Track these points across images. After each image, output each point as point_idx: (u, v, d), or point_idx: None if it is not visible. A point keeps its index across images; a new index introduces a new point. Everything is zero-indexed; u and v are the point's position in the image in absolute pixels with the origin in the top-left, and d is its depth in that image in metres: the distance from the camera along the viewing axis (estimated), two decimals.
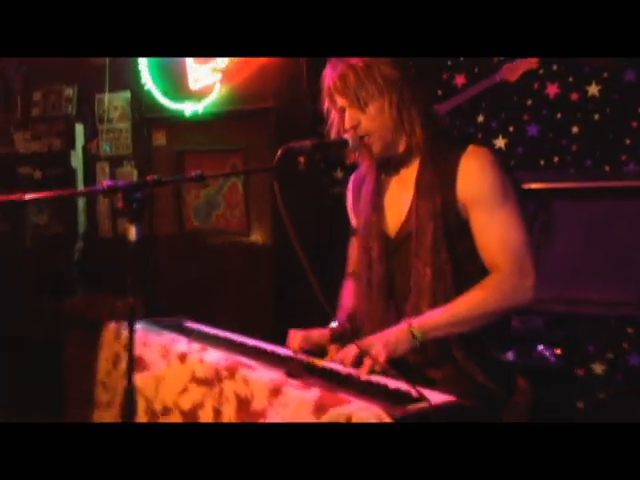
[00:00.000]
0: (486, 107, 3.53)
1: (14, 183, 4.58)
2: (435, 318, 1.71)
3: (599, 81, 3.30)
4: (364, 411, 1.24)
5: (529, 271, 1.73)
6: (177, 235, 4.36)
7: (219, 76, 4.05)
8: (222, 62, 4.02)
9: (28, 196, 1.48)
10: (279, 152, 1.64)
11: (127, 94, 4.39)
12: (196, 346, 1.80)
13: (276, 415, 1.41)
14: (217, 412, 1.60)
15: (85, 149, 4.56)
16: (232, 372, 1.57)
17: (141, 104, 4.35)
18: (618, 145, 3.29)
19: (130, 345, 1.43)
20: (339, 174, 3.91)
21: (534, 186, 3.29)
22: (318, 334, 1.85)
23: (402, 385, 1.43)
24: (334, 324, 1.87)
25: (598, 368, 3.35)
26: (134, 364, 1.46)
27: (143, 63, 4.20)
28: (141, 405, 1.86)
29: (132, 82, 4.32)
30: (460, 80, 3.57)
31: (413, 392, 1.36)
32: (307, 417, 1.33)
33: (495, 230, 1.74)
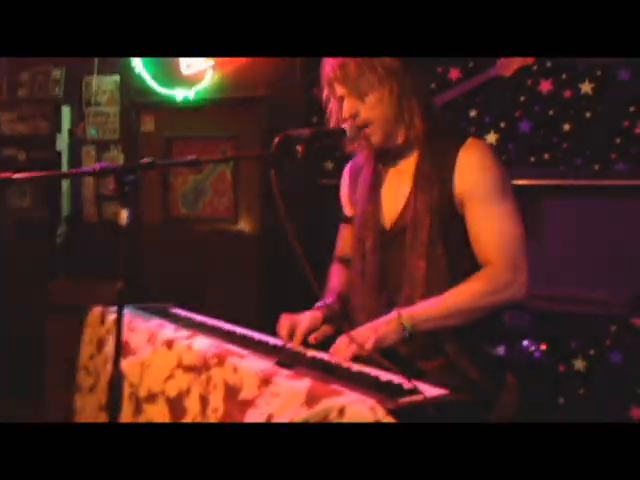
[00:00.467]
0: (479, 102, 3.53)
1: None
2: (426, 309, 1.70)
3: (592, 79, 3.31)
4: (357, 403, 1.22)
5: (522, 267, 1.71)
6: (163, 221, 4.32)
7: (211, 63, 4.01)
8: None
9: (16, 175, 1.44)
10: (277, 139, 1.61)
11: (116, 77, 4.33)
12: (184, 332, 1.78)
13: (266, 405, 1.38)
14: (204, 400, 1.57)
15: (71, 132, 4.49)
16: (221, 360, 1.54)
17: (130, 88, 4.29)
18: (608, 144, 3.30)
19: (118, 330, 1.41)
20: (329, 165, 3.89)
21: (523, 182, 3.29)
22: (310, 318, 1.82)
23: (394, 377, 1.41)
24: (320, 304, 1.84)
25: (580, 364, 3.37)
26: (122, 350, 1.44)
27: None
28: (126, 391, 1.83)
29: (122, 66, 4.26)
30: (455, 74, 3.56)
31: (406, 384, 1.34)
32: (299, 407, 1.30)
33: (491, 225, 1.73)
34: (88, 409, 2.08)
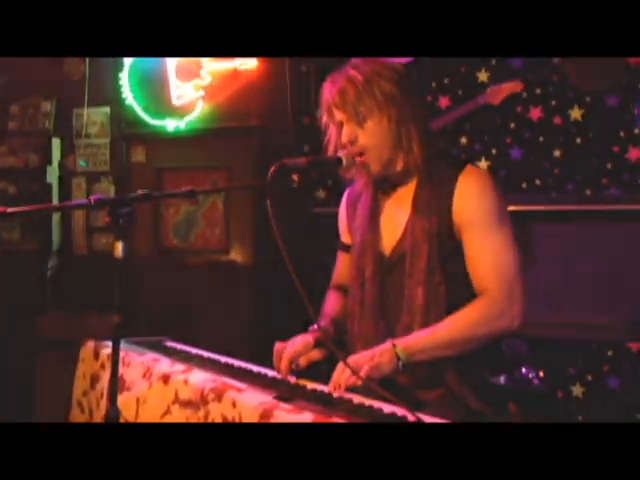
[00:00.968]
0: (469, 129, 3.55)
1: None
2: (420, 340, 1.68)
3: (582, 105, 3.34)
4: None
5: (518, 297, 1.70)
6: (154, 253, 4.29)
7: (202, 93, 4.02)
8: (205, 79, 4.00)
9: (10, 209, 1.42)
10: (272, 168, 1.60)
11: (106, 109, 4.33)
12: (180, 367, 1.74)
13: None
14: None
15: (61, 164, 4.47)
16: (219, 394, 1.51)
17: (121, 119, 4.29)
18: (600, 169, 3.32)
19: (114, 365, 1.38)
20: (321, 193, 3.89)
21: (516, 209, 3.30)
22: (302, 343, 1.80)
23: (397, 409, 1.39)
24: (316, 326, 1.81)
25: (577, 390, 3.35)
26: (117, 386, 1.40)
27: (124, 78, 4.15)
28: None
29: (112, 97, 4.26)
30: (444, 102, 3.58)
31: (410, 417, 1.32)
32: None
33: (488, 253, 1.72)
34: None
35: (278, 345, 1.83)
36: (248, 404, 1.43)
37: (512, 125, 3.48)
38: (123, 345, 2.00)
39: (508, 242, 1.73)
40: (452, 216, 1.75)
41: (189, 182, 4.07)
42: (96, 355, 2.03)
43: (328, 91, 1.80)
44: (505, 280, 1.69)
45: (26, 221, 4.48)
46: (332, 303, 2.04)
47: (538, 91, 3.42)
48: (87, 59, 4.27)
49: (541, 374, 2.75)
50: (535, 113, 3.43)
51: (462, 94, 3.55)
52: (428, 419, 1.32)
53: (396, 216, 1.85)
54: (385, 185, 1.88)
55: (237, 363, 1.86)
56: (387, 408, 1.41)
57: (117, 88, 4.18)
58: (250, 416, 1.41)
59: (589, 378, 3.36)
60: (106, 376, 1.90)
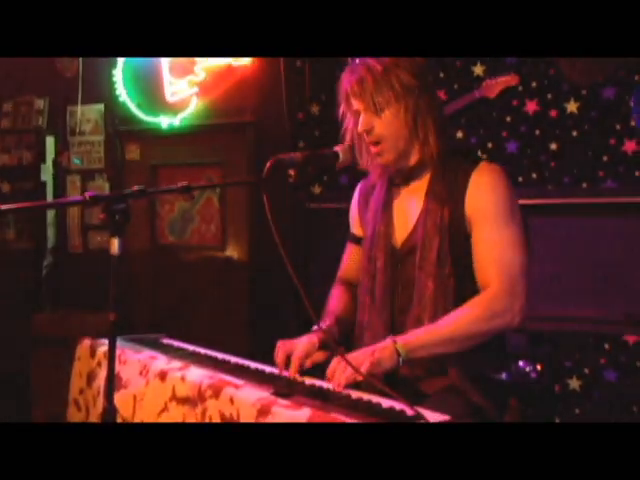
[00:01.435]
0: (465, 123, 3.53)
1: None
2: (420, 337, 1.67)
3: (577, 98, 3.33)
4: None
5: (520, 294, 1.69)
6: (151, 250, 4.28)
7: (196, 89, 4.00)
8: (199, 75, 3.98)
9: (3, 207, 1.40)
10: (268, 164, 1.59)
11: (100, 106, 4.32)
12: (177, 364, 1.73)
13: None
14: None
15: (55, 162, 4.45)
16: (216, 391, 1.50)
17: (115, 117, 4.28)
18: (596, 162, 3.31)
19: (111, 363, 1.37)
20: (317, 189, 3.88)
21: None
22: (307, 344, 1.78)
23: (396, 404, 1.38)
24: (321, 325, 1.80)
25: (575, 384, 3.34)
26: (113, 383, 1.39)
27: (118, 75, 4.13)
28: None
29: (106, 94, 4.25)
30: (440, 96, 3.56)
31: (408, 410, 1.31)
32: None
33: (494, 248, 1.72)
34: None
35: (280, 343, 1.82)
36: (246, 400, 1.42)
37: (508, 119, 3.46)
38: (119, 343, 1.99)
39: (516, 238, 1.72)
40: (464, 210, 1.75)
41: (184, 178, 3.96)
42: (92, 353, 2.02)
43: (347, 80, 1.81)
44: (508, 276, 1.69)
45: (21, 219, 4.47)
46: (337, 299, 2.03)
47: (534, 84, 3.41)
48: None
49: (538, 368, 2.74)
50: (531, 106, 3.42)
51: (458, 88, 3.54)
52: (427, 413, 1.31)
53: (409, 208, 1.86)
54: (399, 179, 1.89)
55: (234, 360, 1.85)
56: (386, 402, 1.40)
57: (111, 85, 4.17)
58: (248, 412, 1.40)
59: (586, 371, 3.35)
60: (102, 374, 1.89)
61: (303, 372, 1.74)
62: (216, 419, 1.49)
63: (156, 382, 1.72)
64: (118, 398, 1.81)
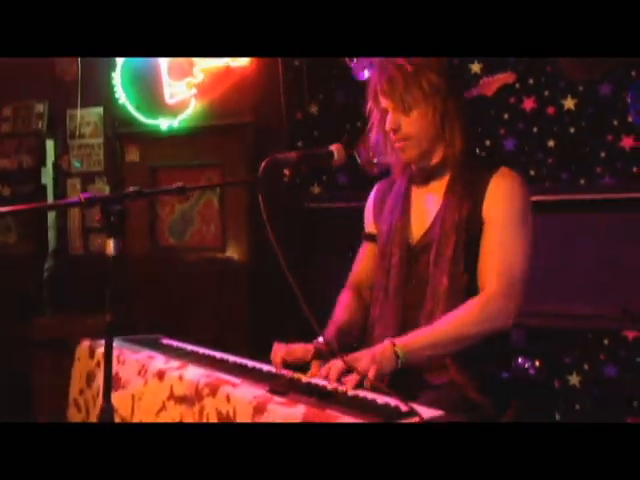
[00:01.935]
0: None
1: None
2: (418, 338, 1.70)
3: (574, 95, 3.33)
4: None
5: (516, 297, 1.74)
6: (152, 251, 4.30)
7: (194, 91, 4.02)
8: (198, 77, 3.99)
9: (1, 209, 1.42)
10: (264, 163, 1.61)
11: (100, 110, 4.33)
12: (175, 363, 1.75)
13: None
14: None
15: (56, 165, 4.47)
16: (213, 389, 1.51)
17: (114, 119, 4.29)
18: (593, 158, 3.31)
19: (107, 363, 1.38)
20: (316, 189, 3.89)
21: None
22: (302, 349, 1.79)
23: (390, 400, 1.39)
24: (320, 339, 1.82)
25: (574, 379, 3.35)
26: (111, 383, 1.40)
27: (117, 77, 4.15)
28: None
29: (105, 97, 4.26)
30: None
31: (402, 407, 1.32)
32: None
33: (499, 251, 1.75)
34: None
35: (277, 345, 1.82)
36: (242, 398, 1.44)
37: (506, 116, 3.47)
38: (118, 343, 2.01)
39: (522, 245, 1.77)
40: (481, 212, 1.79)
41: (183, 180, 4.00)
42: (91, 354, 2.03)
43: (376, 78, 1.85)
44: (507, 279, 1.72)
45: (22, 223, 4.49)
46: (343, 307, 2.01)
47: (531, 82, 3.41)
48: (79, 60, 4.26)
49: (537, 364, 2.75)
50: (528, 104, 3.42)
51: None
52: (421, 409, 1.32)
53: (426, 207, 1.89)
54: (419, 178, 1.93)
55: (232, 359, 1.86)
56: (381, 399, 1.41)
57: (110, 88, 4.18)
58: (244, 410, 1.41)
59: (586, 367, 3.36)
60: (101, 374, 1.88)
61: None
62: (213, 417, 1.50)
63: (154, 382, 1.73)
64: (117, 398, 1.83)
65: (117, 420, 1.81)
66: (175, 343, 2.10)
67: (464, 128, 1.83)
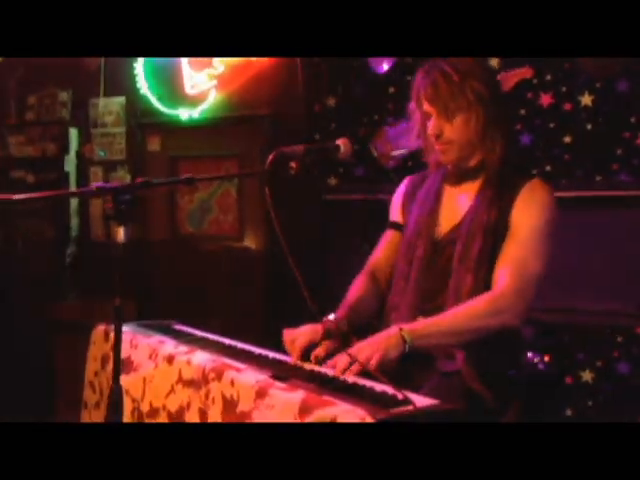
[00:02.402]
0: None
1: (7, 187, 4.57)
2: (427, 326, 1.73)
3: (592, 91, 3.32)
4: (348, 413, 1.24)
5: (527, 298, 1.77)
6: (171, 240, 4.37)
7: (214, 82, 4.07)
8: (218, 68, 4.04)
9: (17, 196, 1.48)
10: (271, 156, 1.65)
11: (122, 99, 4.41)
12: (184, 348, 1.80)
13: (262, 417, 1.40)
14: (203, 413, 1.59)
15: (79, 153, 4.56)
16: (219, 374, 1.57)
17: (136, 109, 4.36)
18: (610, 155, 3.30)
19: (116, 346, 1.44)
20: (333, 181, 3.93)
21: None
22: (310, 330, 1.82)
23: (389, 389, 1.43)
24: (331, 316, 1.86)
25: (587, 376, 3.36)
26: (120, 365, 1.46)
27: (139, 68, 4.22)
28: (128, 406, 1.86)
29: (127, 87, 4.33)
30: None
31: (399, 395, 1.36)
32: (292, 419, 1.32)
33: (518, 253, 1.79)
34: None
35: (286, 332, 1.86)
36: (246, 383, 1.49)
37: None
38: (132, 328, 2.08)
39: (542, 254, 1.81)
40: (510, 218, 1.82)
41: (203, 170, 4.14)
42: (106, 337, 2.09)
43: (421, 82, 1.87)
44: (521, 278, 1.76)
45: (45, 209, 4.58)
46: (356, 289, 2.04)
47: (548, 77, 3.40)
48: None
49: (546, 359, 2.77)
50: (545, 99, 3.42)
51: None
52: (416, 398, 1.36)
53: (456, 206, 1.93)
54: (453, 177, 1.97)
55: (240, 345, 1.92)
56: (379, 387, 1.45)
57: (132, 78, 4.25)
58: (247, 394, 1.46)
59: (599, 364, 3.36)
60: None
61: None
62: (218, 401, 1.55)
63: (164, 365, 1.79)
64: (129, 380, 1.90)
65: (128, 402, 1.88)
66: (186, 329, 2.16)
67: (505, 135, 1.87)
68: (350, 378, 1.55)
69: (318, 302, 1.87)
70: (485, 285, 1.80)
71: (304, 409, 1.31)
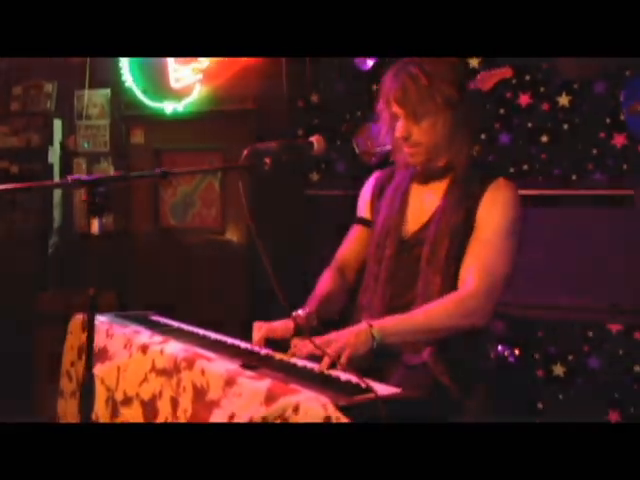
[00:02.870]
0: None
1: None
2: (396, 324, 1.77)
3: (569, 92, 3.38)
4: (311, 400, 1.28)
5: (494, 299, 1.81)
6: (153, 232, 4.40)
7: (199, 76, 4.09)
8: (203, 63, 4.07)
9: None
10: (245, 152, 1.68)
11: (107, 91, 4.42)
12: (158, 338, 1.84)
13: (230, 405, 1.44)
14: (174, 402, 1.63)
15: (63, 145, 4.57)
16: (190, 363, 1.61)
17: (121, 102, 4.38)
18: (585, 155, 3.37)
19: (89, 335, 1.47)
20: (315, 176, 3.97)
21: None
22: (282, 327, 1.87)
23: (353, 377, 1.47)
24: (300, 311, 1.89)
25: (558, 370, 3.42)
26: (93, 354, 1.50)
27: (124, 61, 4.23)
28: (103, 395, 1.90)
29: (112, 80, 4.35)
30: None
31: (362, 384, 1.41)
32: (258, 406, 1.37)
33: (485, 252, 1.81)
34: (69, 414, 2.14)
35: (257, 323, 1.91)
36: (215, 372, 1.53)
37: (501, 111, 3.52)
38: (109, 318, 2.11)
39: (506, 252, 1.83)
40: (475, 217, 1.85)
41: (186, 163, 4.17)
42: (83, 327, 2.11)
43: (390, 84, 1.87)
44: (488, 278, 1.79)
45: (29, 200, 4.59)
46: (324, 284, 2.06)
47: (527, 78, 3.47)
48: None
49: (517, 352, 2.83)
50: (524, 99, 3.48)
51: None
52: (378, 386, 1.40)
53: (424, 205, 1.95)
54: (421, 177, 1.98)
55: (214, 336, 1.95)
56: (344, 377, 1.50)
57: (117, 71, 4.27)
58: (216, 383, 1.50)
59: (570, 358, 3.43)
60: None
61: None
62: (189, 389, 1.59)
63: (138, 355, 1.82)
64: (104, 370, 1.94)
65: (103, 390, 1.92)
66: (163, 320, 2.20)
67: (473, 137, 1.90)
68: (318, 368, 1.59)
69: (296, 296, 1.94)
70: (454, 285, 1.84)
71: (270, 397, 1.36)
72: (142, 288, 4.33)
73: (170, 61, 4.15)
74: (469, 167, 1.90)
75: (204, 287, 4.21)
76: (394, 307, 1.90)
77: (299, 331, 1.87)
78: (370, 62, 3.75)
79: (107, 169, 4.43)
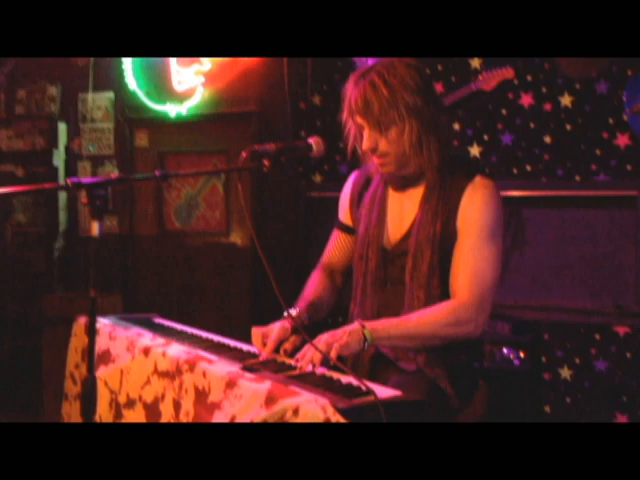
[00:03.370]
0: (462, 115, 3.60)
1: None
2: (388, 327, 1.75)
3: (572, 92, 3.39)
4: (311, 403, 1.29)
5: (486, 307, 1.80)
6: (158, 234, 4.41)
7: (202, 79, 4.11)
8: (206, 65, 4.08)
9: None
10: (243, 154, 1.68)
11: (111, 94, 4.44)
12: (160, 340, 1.84)
13: (230, 406, 1.45)
14: (177, 404, 1.64)
15: (67, 148, 4.59)
16: (192, 365, 1.61)
17: (124, 105, 4.39)
18: (589, 155, 3.37)
19: (91, 336, 1.48)
20: (317, 178, 3.98)
21: (506, 194, 3.36)
22: (280, 329, 1.87)
23: (353, 380, 1.48)
24: (292, 312, 1.88)
25: (566, 373, 3.42)
26: (94, 355, 1.50)
27: (127, 64, 4.25)
28: (106, 397, 1.91)
29: (116, 82, 4.37)
30: (437, 88, 3.62)
31: (362, 386, 1.41)
32: (258, 408, 1.37)
33: (472, 260, 1.80)
34: (74, 416, 2.15)
35: (255, 329, 1.88)
36: (217, 374, 1.54)
37: (504, 111, 3.53)
38: (112, 321, 2.12)
39: (493, 255, 1.81)
40: (456, 223, 1.83)
41: (190, 165, 4.19)
42: (87, 330, 2.13)
43: (351, 95, 1.82)
44: (479, 289, 1.78)
45: (34, 203, 4.61)
46: (313, 285, 2.06)
47: (529, 78, 3.47)
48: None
49: (522, 355, 2.83)
50: (526, 100, 3.48)
51: (455, 80, 3.61)
52: (380, 390, 1.41)
53: (402, 212, 1.92)
54: (395, 183, 1.94)
55: (217, 338, 1.96)
56: (345, 379, 1.50)
57: (120, 74, 4.28)
58: (217, 385, 1.51)
59: (577, 361, 3.43)
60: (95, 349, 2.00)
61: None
62: (191, 391, 1.60)
63: (141, 357, 1.83)
64: (107, 372, 1.95)
65: (106, 392, 1.93)
66: (166, 322, 2.20)
67: (441, 142, 1.83)
68: (318, 370, 1.59)
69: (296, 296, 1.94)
70: (441, 294, 1.83)
71: (270, 399, 1.36)
72: (146, 291, 4.35)
73: (173, 64, 4.16)
74: (443, 171, 1.85)
75: (208, 289, 4.22)
76: (386, 316, 1.86)
77: (296, 331, 1.86)
78: (371, 62, 3.75)
79: (112, 172, 4.44)
